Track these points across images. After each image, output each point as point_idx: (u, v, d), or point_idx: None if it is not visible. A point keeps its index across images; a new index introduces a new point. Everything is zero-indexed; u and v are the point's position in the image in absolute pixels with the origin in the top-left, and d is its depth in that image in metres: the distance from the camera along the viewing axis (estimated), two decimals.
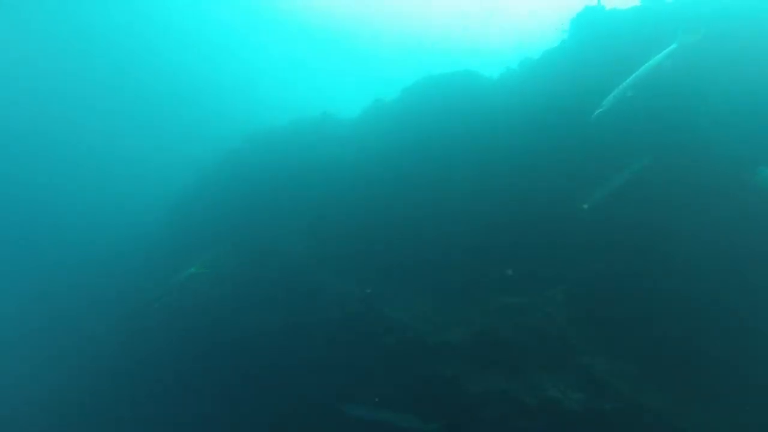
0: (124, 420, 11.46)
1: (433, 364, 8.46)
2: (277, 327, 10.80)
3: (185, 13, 36.84)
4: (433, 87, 12.88)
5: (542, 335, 7.98)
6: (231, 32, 41.89)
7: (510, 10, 41.46)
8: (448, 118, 11.88)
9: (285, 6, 42.28)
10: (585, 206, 7.89)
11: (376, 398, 7.99)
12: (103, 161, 29.63)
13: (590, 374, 6.99)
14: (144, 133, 32.00)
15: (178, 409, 10.85)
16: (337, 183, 13.54)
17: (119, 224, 21.98)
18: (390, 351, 9.17)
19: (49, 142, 31.10)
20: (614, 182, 7.67)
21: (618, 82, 7.56)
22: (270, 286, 11.75)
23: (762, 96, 8.04)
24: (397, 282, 10.69)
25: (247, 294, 11.91)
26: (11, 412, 13.13)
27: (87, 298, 16.38)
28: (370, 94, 17.24)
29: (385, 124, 13.58)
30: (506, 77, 12.00)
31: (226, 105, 36.22)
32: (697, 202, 7.66)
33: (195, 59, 39.30)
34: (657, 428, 6.45)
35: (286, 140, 15.96)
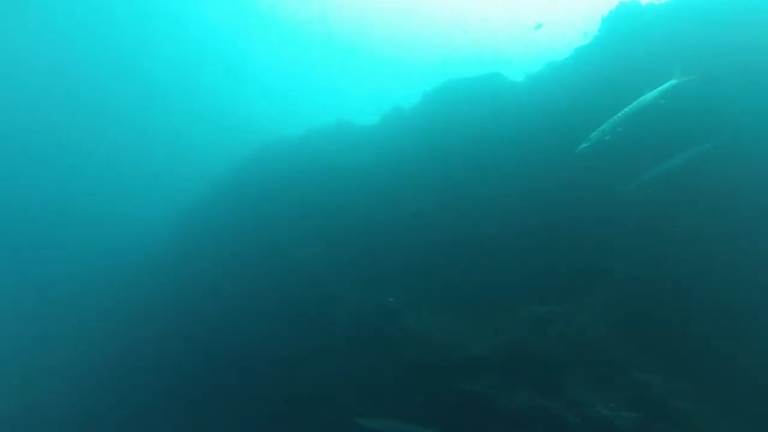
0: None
1: (459, 380, 7.70)
2: (291, 339, 10.18)
3: (200, 27, 37.65)
4: (456, 92, 12.49)
5: (580, 347, 7.19)
6: (243, 45, 42.65)
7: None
8: (473, 123, 11.44)
9: (295, 16, 42.96)
10: (629, 188, 7.34)
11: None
12: (115, 173, 29.95)
13: (644, 391, 6.17)
14: (157, 145, 32.38)
15: (179, 426, 10.19)
16: (355, 191, 13.10)
17: (132, 235, 22.04)
18: (411, 365, 8.44)
19: (61, 156, 31.65)
20: (663, 166, 7.07)
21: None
22: (285, 296, 11.19)
23: None
24: (419, 292, 10.03)
25: (260, 305, 11.35)
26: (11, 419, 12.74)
27: (99, 308, 16.33)
28: (382, 103, 17.06)
29: (406, 131, 13.18)
30: (533, 79, 11.55)
31: (239, 116, 36.59)
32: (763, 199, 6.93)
33: (207, 71, 40.01)
34: None
35: (302, 149, 15.68)
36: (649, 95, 6.98)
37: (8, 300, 18.73)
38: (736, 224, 7.13)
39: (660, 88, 6.98)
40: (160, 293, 13.79)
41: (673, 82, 6.99)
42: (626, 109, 7.08)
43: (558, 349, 7.28)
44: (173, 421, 10.33)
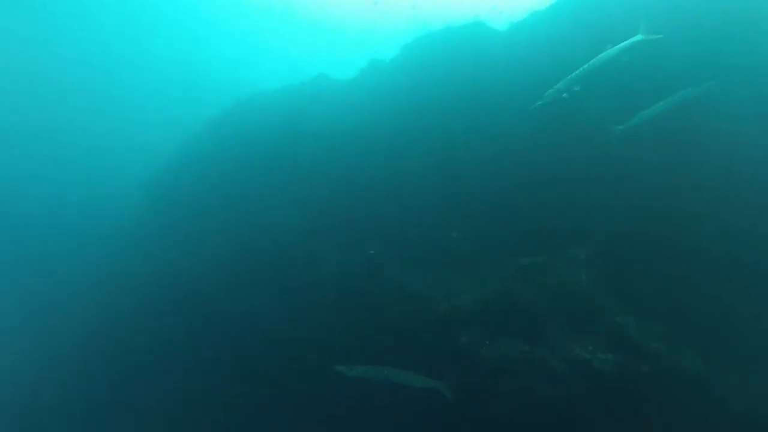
0: (108, 406, 10.99)
1: (444, 333, 7.84)
2: (273, 300, 10.10)
3: None
4: (437, 42, 11.98)
5: (564, 296, 7.38)
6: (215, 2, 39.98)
7: None
8: (454, 74, 11.05)
9: None
10: (619, 128, 7.27)
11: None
12: (80, 144, 28.37)
13: (621, 334, 6.42)
14: (122, 113, 30.66)
15: (167, 395, 10.21)
16: (333, 148, 12.72)
17: (100, 208, 21.18)
18: (396, 321, 8.54)
19: (24, 130, 29.82)
20: (656, 108, 6.99)
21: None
22: (264, 259, 10.98)
23: None
24: (402, 249, 10.02)
25: (239, 269, 11.14)
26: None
27: (71, 285, 15.89)
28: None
29: (385, 84, 12.69)
30: (516, 28, 11.15)
31: (211, 78, 34.83)
32: (741, 149, 7.01)
33: (177, 31, 37.57)
34: (695, 389, 5.94)
35: (277, 104, 15.00)
36: (611, 51, 6.69)
37: None
38: (715, 173, 7.26)
39: (622, 44, 6.68)
40: (136, 261, 13.39)
41: (638, 37, 6.66)
42: (585, 66, 6.80)
43: (540, 298, 7.45)
44: (161, 384, 10.35)
